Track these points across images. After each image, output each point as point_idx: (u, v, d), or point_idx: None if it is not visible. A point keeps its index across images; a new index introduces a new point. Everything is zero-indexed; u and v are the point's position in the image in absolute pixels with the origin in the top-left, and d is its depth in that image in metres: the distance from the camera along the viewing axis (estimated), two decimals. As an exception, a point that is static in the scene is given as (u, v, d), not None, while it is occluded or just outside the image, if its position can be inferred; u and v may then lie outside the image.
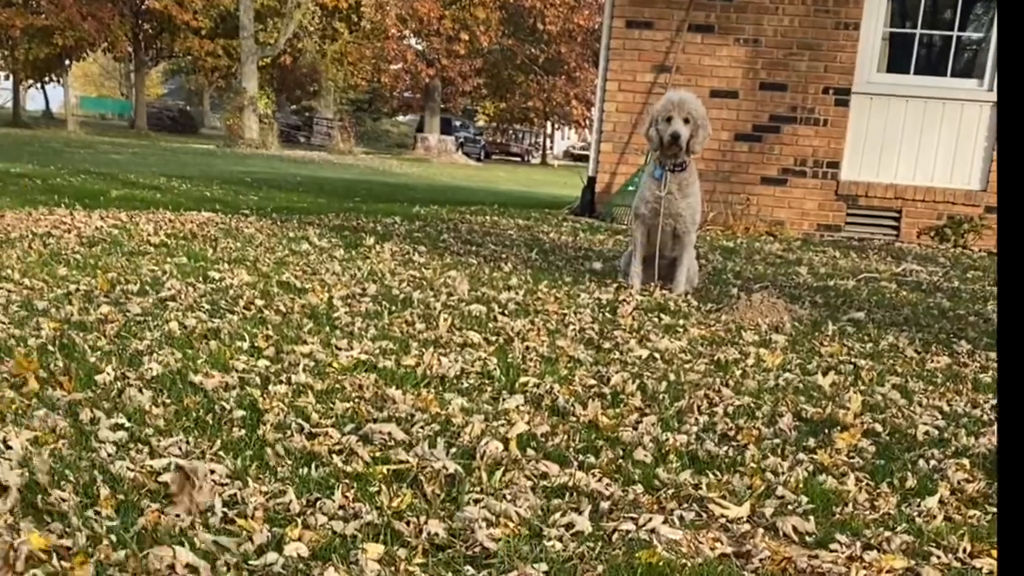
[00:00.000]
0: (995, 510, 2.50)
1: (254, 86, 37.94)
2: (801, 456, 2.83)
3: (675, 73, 10.85)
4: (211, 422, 2.76)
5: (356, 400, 3.06)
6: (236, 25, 39.35)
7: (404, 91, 54.15)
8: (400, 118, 66.25)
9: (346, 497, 2.28)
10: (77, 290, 4.44)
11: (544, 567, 2.02)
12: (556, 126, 66.81)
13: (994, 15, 10.42)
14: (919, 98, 10.54)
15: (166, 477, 2.25)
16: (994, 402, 3.56)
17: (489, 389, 3.35)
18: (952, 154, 10.49)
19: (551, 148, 69.66)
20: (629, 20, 11.05)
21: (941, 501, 2.53)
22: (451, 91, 53.26)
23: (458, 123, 57.83)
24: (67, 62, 45.47)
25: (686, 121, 5.68)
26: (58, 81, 49.15)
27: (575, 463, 2.66)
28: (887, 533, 2.30)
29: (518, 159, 62.33)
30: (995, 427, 3.19)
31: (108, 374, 3.07)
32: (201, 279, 4.98)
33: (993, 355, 4.49)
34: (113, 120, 61.87)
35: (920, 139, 10.56)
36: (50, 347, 3.37)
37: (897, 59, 10.91)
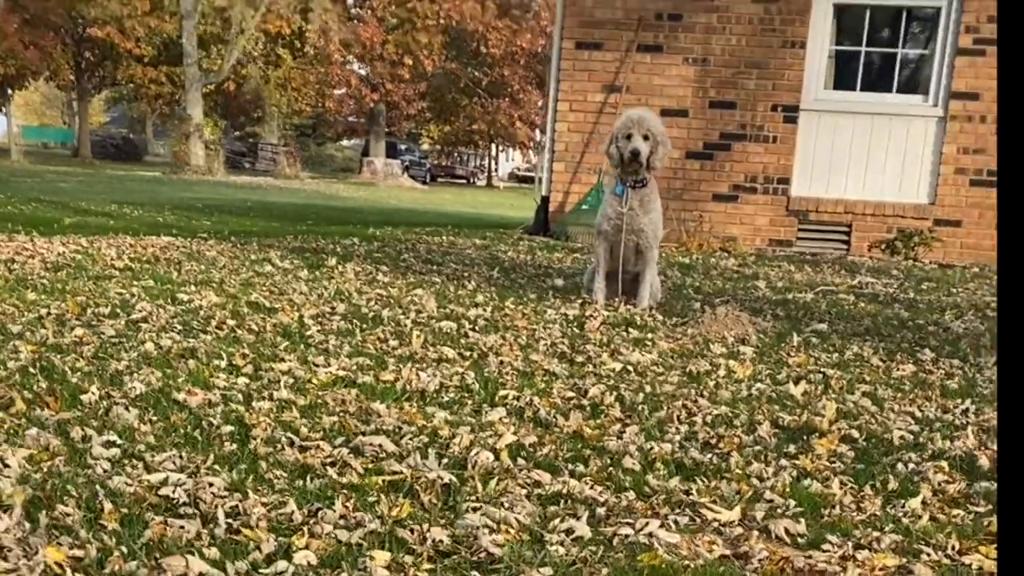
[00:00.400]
0: (978, 509, 2.57)
1: (199, 113, 37.76)
2: (783, 462, 2.88)
3: (625, 93, 10.98)
4: (200, 438, 2.76)
5: (341, 414, 3.07)
6: (179, 52, 39.17)
7: (348, 116, 54.15)
8: (344, 143, 66.21)
9: (346, 507, 2.30)
10: (48, 314, 4.41)
11: (549, 571, 2.05)
12: (501, 148, 67.07)
13: (932, 32, 10.67)
14: (866, 114, 10.75)
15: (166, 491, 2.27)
16: (964, 407, 3.64)
17: (470, 402, 3.38)
18: (900, 169, 10.70)
19: (496, 170, 69.89)
20: (579, 41, 11.18)
21: (924, 502, 2.59)
22: (395, 115, 53.33)
23: (403, 147, 57.94)
24: (9, 91, 44.97)
25: (646, 138, 5.75)
26: (0, 110, 48.57)
27: (566, 472, 2.69)
28: (876, 533, 2.35)
29: (463, 181, 62.51)
30: (968, 430, 3.27)
31: (93, 394, 3.06)
32: (170, 301, 4.97)
33: (956, 362, 4.59)
34: (56, 149, 61.18)
35: (868, 154, 10.75)
36: (31, 369, 3.35)
37: (843, 76, 11.13)
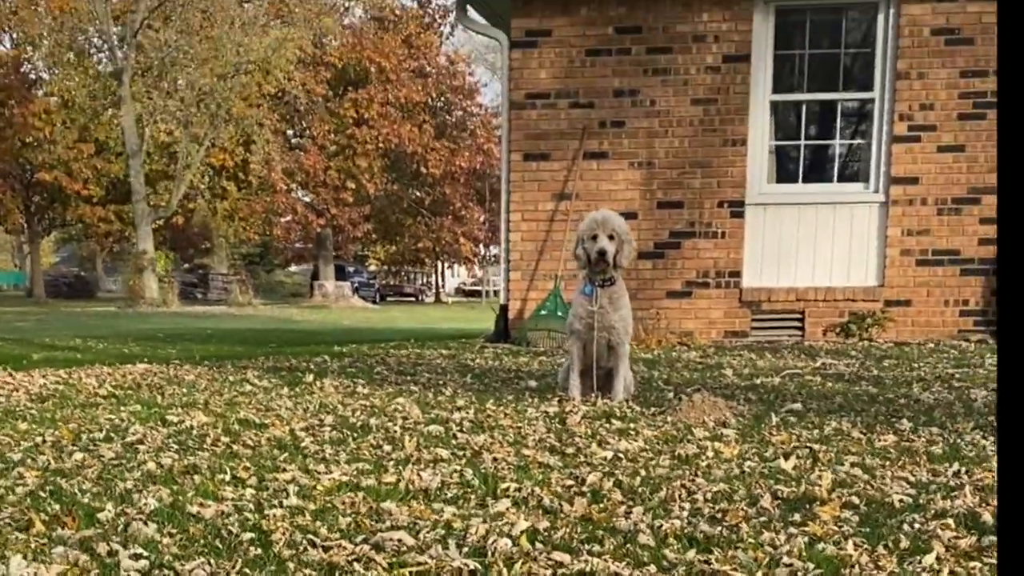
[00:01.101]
0: (994, 562, 2.66)
1: (151, 247, 37.84)
2: (792, 530, 2.97)
3: (575, 200, 11.22)
4: (222, 546, 2.81)
5: (354, 515, 3.14)
6: (127, 191, 39.36)
7: (296, 242, 54.43)
8: (293, 268, 66.38)
9: (381, 597, 2.37)
10: (44, 441, 4.45)
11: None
12: (447, 264, 67.58)
13: (867, 122, 11.08)
14: (810, 204, 11.07)
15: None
16: (954, 469, 3.77)
17: (473, 497, 3.45)
18: (847, 254, 10.99)
19: (443, 286, 70.32)
20: (526, 153, 11.44)
21: (939, 558, 2.66)
22: (342, 238, 53.68)
23: (351, 269, 58.16)
24: (-39, 238, 44.84)
25: (611, 237, 5.93)
26: (-46, 258, 48.39)
27: (584, 551, 2.77)
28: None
29: (412, 299, 62.76)
30: (966, 490, 3.38)
31: (108, 511, 3.10)
32: (160, 423, 5.01)
33: (936, 430, 4.74)
34: (8, 291, 60.90)
35: (815, 243, 11.05)
36: (40, 492, 3.39)
37: (785, 169, 11.48)
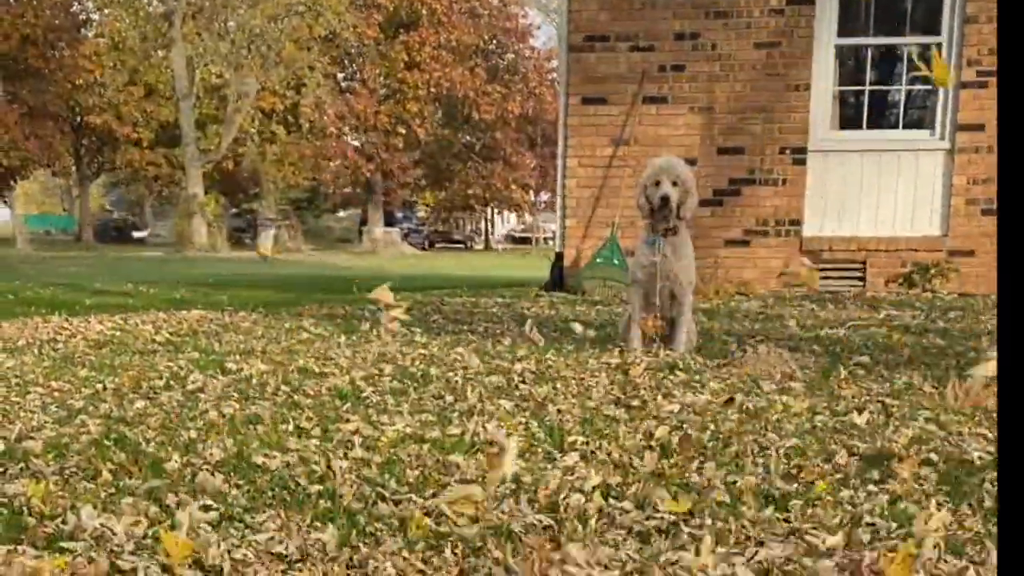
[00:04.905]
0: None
1: (200, 191, 38.08)
2: (872, 487, 2.88)
3: (633, 145, 11.07)
4: (290, 499, 2.77)
5: (421, 468, 3.08)
6: (175, 135, 39.59)
7: (345, 187, 54.48)
8: (341, 213, 66.52)
9: (456, 554, 2.31)
10: (104, 388, 4.44)
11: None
12: (496, 211, 67.40)
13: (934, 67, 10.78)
14: (873, 151, 10.83)
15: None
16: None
17: (540, 450, 3.38)
18: (911, 203, 10.76)
19: (492, 233, 70.19)
20: (584, 97, 11.29)
21: (1024, 517, 2.59)
22: (391, 183, 53.69)
23: (400, 214, 58.26)
24: (12, 182, 45.23)
25: (674, 184, 5.80)
26: (3, 201, 48.82)
27: (661, 507, 2.69)
28: (989, 545, 2.35)
29: (461, 246, 62.73)
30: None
31: (175, 462, 3.08)
32: (219, 371, 5.00)
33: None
34: (57, 235, 61.73)
35: (878, 191, 10.83)
36: (105, 441, 3.37)
37: (849, 115, 11.24)
